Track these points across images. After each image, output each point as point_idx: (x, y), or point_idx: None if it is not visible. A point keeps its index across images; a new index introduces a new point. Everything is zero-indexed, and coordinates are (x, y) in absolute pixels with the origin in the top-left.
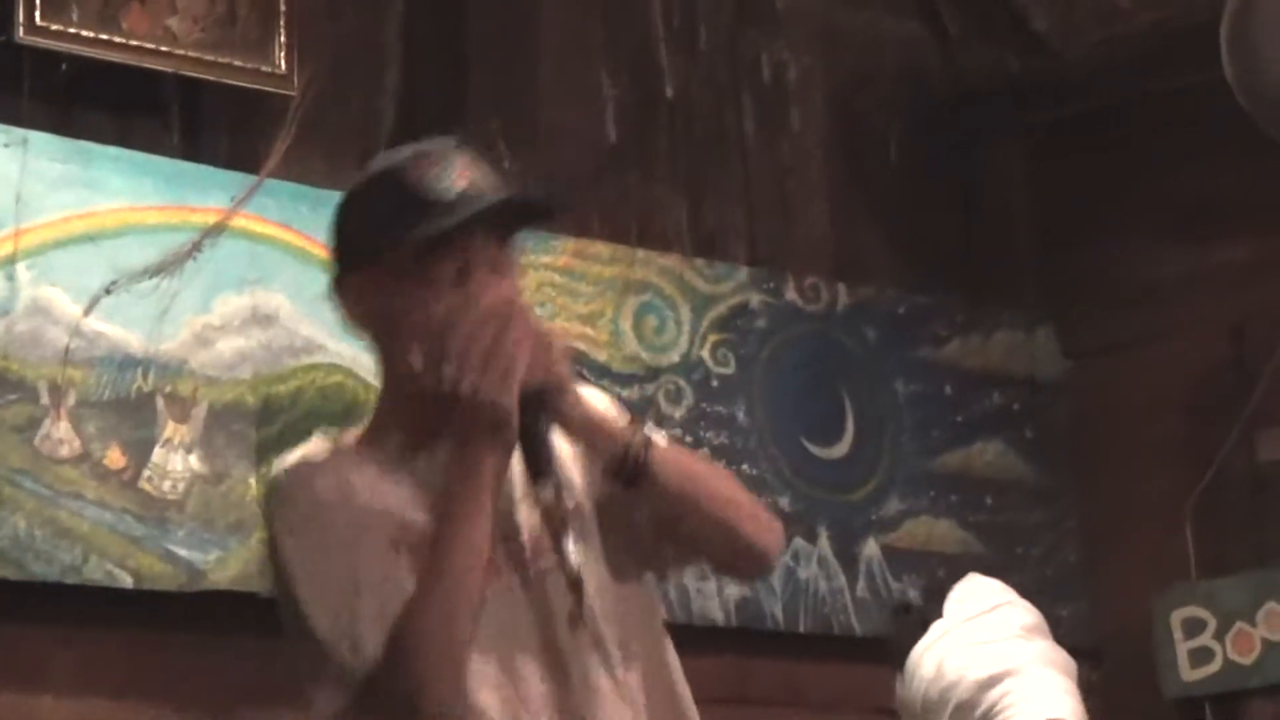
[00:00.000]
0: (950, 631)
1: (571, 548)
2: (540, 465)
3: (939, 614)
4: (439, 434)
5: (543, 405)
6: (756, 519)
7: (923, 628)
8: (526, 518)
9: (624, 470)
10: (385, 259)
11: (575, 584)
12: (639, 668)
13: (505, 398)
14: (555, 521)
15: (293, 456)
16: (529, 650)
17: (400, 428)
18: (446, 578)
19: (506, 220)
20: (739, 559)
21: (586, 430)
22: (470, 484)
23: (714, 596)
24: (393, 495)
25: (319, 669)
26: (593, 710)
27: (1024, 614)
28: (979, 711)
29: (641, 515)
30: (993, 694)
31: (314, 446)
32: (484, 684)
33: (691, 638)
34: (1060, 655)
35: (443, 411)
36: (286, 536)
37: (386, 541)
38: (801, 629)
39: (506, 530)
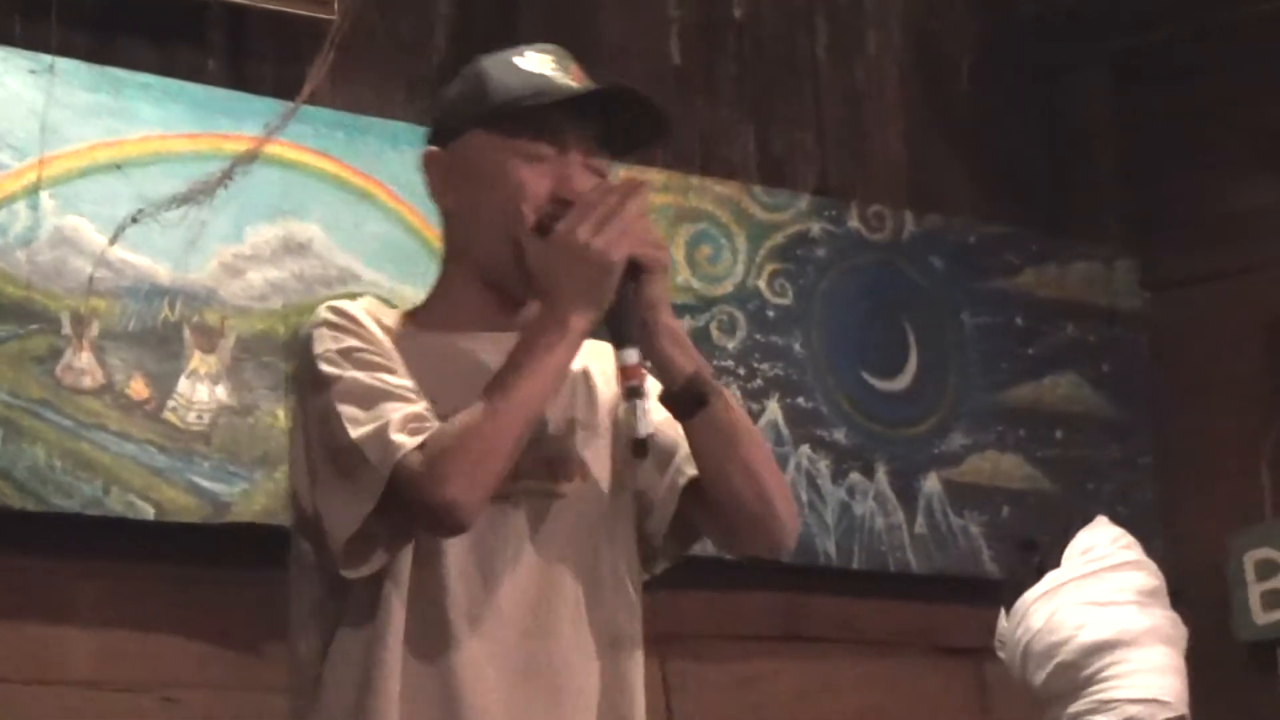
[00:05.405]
0: (1066, 585)
1: (649, 413)
2: (627, 332)
3: (1057, 562)
4: (492, 320)
5: (638, 280)
6: (788, 496)
7: (1038, 573)
8: (554, 432)
9: (688, 393)
10: (486, 128)
11: (640, 449)
12: (602, 627)
13: (615, 255)
14: (632, 388)
15: (336, 301)
16: (516, 566)
17: (454, 307)
18: (507, 402)
19: (605, 121)
20: (762, 528)
21: (671, 333)
22: (553, 337)
23: None
24: (430, 367)
25: (341, 479)
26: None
27: (1145, 577)
28: (1083, 675)
29: (659, 483)
30: (1100, 661)
31: (361, 300)
32: (467, 584)
33: (742, 575)
34: (1173, 626)
35: (516, 284)
36: (328, 347)
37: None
38: (856, 565)
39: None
